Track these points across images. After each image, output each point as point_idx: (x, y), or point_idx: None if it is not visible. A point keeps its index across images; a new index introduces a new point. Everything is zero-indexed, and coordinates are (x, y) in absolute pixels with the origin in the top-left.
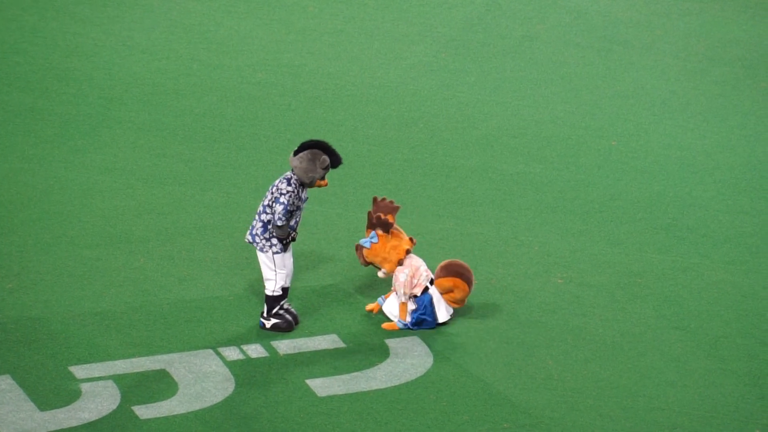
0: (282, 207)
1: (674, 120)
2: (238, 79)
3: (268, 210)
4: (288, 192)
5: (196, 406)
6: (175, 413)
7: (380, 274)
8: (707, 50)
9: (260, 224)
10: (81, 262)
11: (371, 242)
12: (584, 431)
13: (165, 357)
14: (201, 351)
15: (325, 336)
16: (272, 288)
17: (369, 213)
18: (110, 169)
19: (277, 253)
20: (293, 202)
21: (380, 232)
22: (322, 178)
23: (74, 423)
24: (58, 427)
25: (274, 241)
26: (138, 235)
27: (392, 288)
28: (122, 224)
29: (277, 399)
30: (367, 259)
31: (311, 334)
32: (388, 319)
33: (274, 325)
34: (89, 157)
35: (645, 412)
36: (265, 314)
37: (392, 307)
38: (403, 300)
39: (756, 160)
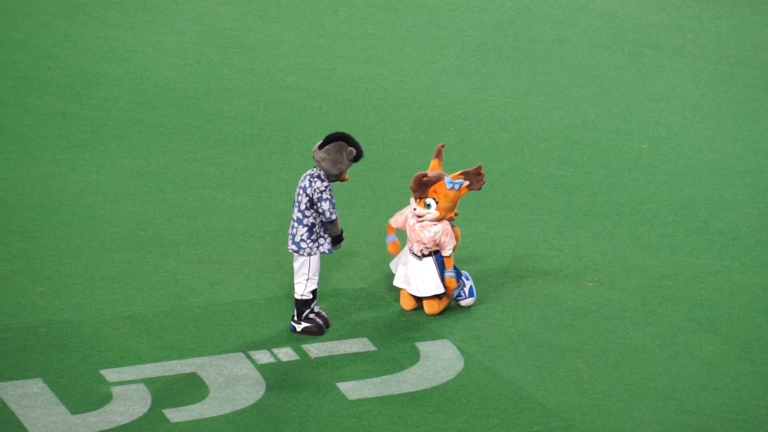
0: (328, 202)
1: (705, 123)
2: (269, 83)
3: (307, 213)
4: (326, 187)
5: (227, 409)
6: (206, 416)
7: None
8: (738, 53)
9: (304, 229)
10: (112, 265)
11: (457, 185)
12: None
13: (196, 360)
14: (232, 354)
15: (355, 339)
16: (302, 292)
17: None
18: (141, 173)
19: (324, 253)
20: (333, 195)
21: (466, 184)
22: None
23: (105, 426)
24: (90, 431)
25: (321, 240)
26: (169, 238)
27: (420, 241)
28: (153, 228)
29: (308, 402)
30: (435, 195)
31: (342, 337)
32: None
33: (304, 329)
34: (120, 161)
35: (676, 415)
36: (295, 318)
37: (423, 275)
38: (450, 254)
39: None
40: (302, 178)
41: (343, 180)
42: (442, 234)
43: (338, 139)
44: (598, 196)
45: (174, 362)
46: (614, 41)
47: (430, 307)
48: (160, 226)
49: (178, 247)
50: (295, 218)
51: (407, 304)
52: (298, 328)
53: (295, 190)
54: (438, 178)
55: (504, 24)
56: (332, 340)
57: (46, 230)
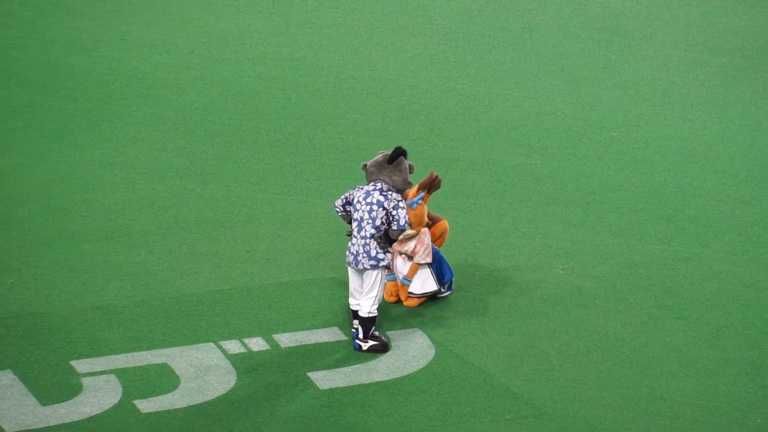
0: (405, 211)
1: (674, 110)
2: (238, 73)
3: (382, 228)
4: (401, 198)
5: (198, 399)
6: (177, 407)
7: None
8: (707, 41)
9: (374, 243)
10: (82, 256)
11: (417, 203)
12: (586, 422)
13: (166, 351)
14: (202, 344)
15: (326, 329)
16: (369, 309)
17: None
18: (110, 164)
19: (389, 266)
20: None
21: (426, 193)
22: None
23: (76, 417)
24: (60, 422)
25: (388, 255)
26: (139, 229)
27: (405, 252)
28: (123, 218)
29: (279, 392)
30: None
31: (313, 327)
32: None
33: (371, 347)
34: (89, 152)
35: (647, 402)
36: (360, 336)
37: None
38: (423, 261)
39: (756, 150)
40: (364, 195)
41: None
42: (417, 243)
43: (401, 154)
44: (568, 184)
45: (144, 353)
46: (583, 29)
47: (407, 302)
48: (130, 216)
49: (148, 237)
50: (368, 234)
51: (389, 295)
52: (365, 346)
53: (357, 208)
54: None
55: (473, 12)
56: (303, 329)
57: (15, 221)
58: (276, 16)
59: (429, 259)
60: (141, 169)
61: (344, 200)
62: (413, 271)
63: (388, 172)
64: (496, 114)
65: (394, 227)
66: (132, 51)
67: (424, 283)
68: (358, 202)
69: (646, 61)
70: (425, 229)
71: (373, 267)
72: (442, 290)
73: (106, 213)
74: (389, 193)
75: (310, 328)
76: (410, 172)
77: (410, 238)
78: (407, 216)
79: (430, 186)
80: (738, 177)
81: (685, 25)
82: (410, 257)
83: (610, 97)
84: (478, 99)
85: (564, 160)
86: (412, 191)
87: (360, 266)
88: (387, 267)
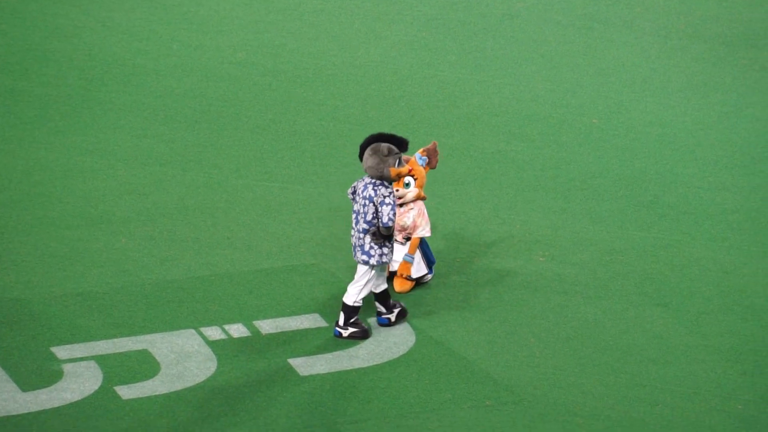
0: (390, 207)
1: (655, 97)
2: (219, 59)
3: (374, 222)
4: (390, 192)
5: (178, 385)
6: (158, 393)
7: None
8: (687, 27)
9: (368, 238)
10: (62, 243)
11: (425, 161)
12: (566, 408)
13: (147, 337)
14: (183, 331)
15: (307, 315)
16: (355, 298)
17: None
18: (91, 150)
19: (386, 262)
20: (395, 202)
21: (427, 161)
22: (400, 165)
23: (56, 404)
24: (41, 408)
25: (385, 250)
26: (119, 215)
27: (404, 225)
28: (103, 205)
29: (260, 378)
30: (414, 173)
31: (293, 313)
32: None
33: (351, 334)
34: (70, 138)
35: (627, 388)
36: (341, 323)
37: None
38: (426, 234)
39: (736, 136)
40: (363, 188)
41: (401, 175)
42: (418, 215)
43: (369, 144)
44: (549, 171)
45: (125, 339)
46: (564, 16)
47: (401, 285)
48: (110, 203)
49: (129, 224)
50: (362, 229)
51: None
52: (345, 333)
53: (356, 200)
54: (408, 158)
55: None
56: (283, 316)
57: None
58: (256, 2)
59: (429, 233)
60: (121, 155)
61: (353, 189)
62: (414, 246)
63: (366, 166)
64: (476, 100)
65: (380, 224)
66: (113, 37)
67: (419, 265)
68: (358, 194)
69: (626, 48)
70: (423, 203)
71: (365, 262)
72: (428, 274)
73: (87, 199)
74: (379, 188)
75: (290, 315)
76: (395, 153)
77: (410, 207)
78: (390, 213)
79: (432, 155)
80: (718, 164)
81: (666, 12)
82: (407, 239)
83: (591, 83)
84: (458, 85)
85: (544, 147)
86: (419, 150)
87: (356, 258)
88: (382, 263)
